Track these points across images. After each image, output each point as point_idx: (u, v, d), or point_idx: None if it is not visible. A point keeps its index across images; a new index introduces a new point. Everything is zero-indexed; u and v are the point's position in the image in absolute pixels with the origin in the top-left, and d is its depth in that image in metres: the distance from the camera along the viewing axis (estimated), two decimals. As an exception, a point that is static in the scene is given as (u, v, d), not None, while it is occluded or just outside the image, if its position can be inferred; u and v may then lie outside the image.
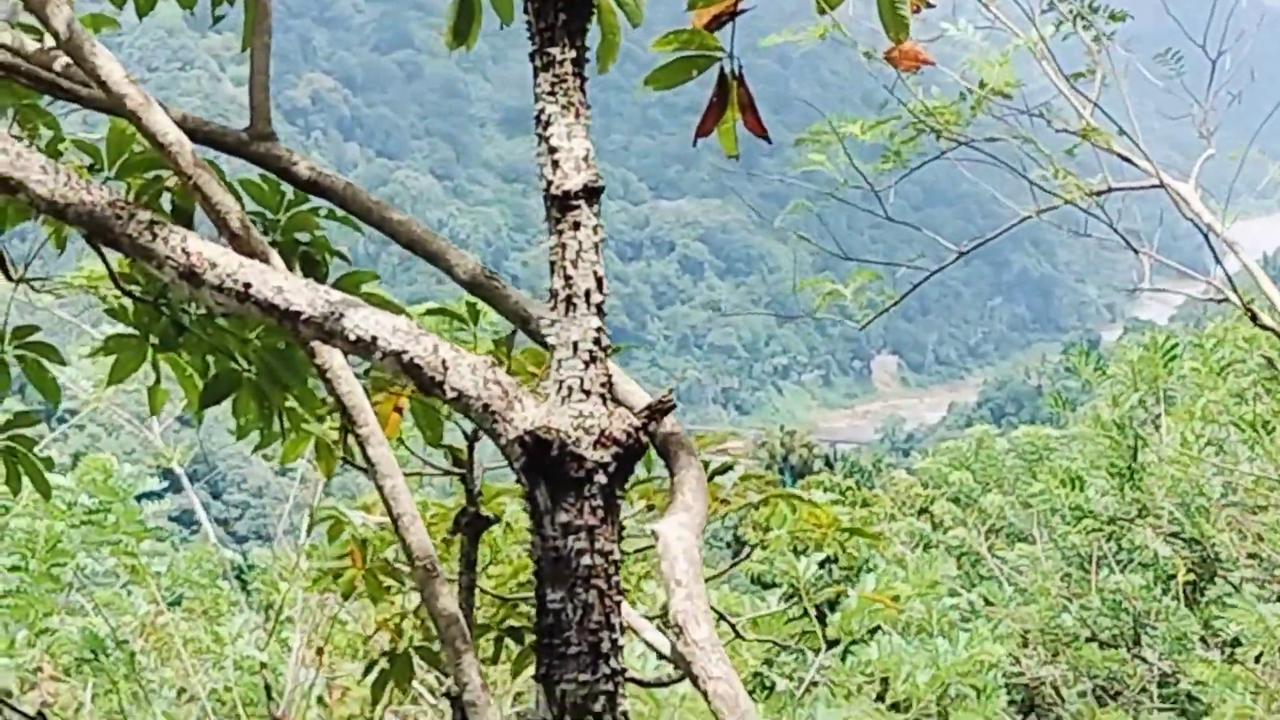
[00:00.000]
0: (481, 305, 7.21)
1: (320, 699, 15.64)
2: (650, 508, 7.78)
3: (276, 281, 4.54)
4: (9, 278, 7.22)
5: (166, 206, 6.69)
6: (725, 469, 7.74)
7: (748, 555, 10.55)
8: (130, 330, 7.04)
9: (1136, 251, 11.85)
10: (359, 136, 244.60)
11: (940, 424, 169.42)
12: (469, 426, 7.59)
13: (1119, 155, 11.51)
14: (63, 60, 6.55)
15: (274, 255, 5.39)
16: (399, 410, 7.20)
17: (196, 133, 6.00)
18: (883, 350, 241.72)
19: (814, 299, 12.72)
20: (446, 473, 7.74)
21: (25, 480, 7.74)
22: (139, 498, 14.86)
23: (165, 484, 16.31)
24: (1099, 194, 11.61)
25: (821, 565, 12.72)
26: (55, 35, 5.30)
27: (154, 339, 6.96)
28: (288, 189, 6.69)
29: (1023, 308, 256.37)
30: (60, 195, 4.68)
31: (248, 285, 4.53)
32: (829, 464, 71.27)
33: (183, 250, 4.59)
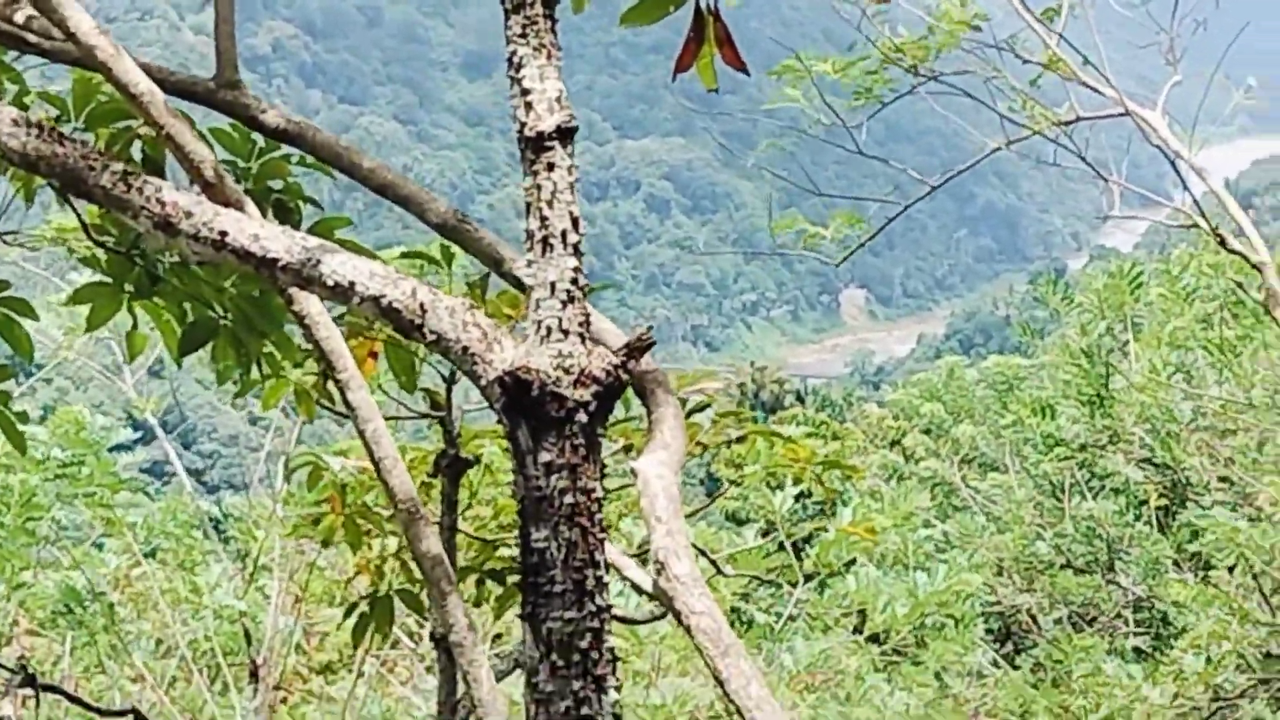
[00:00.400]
0: (455, 248, 7.22)
1: (299, 646, 15.69)
2: (629, 447, 7.81)
3: (252, 229, 4.55)
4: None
5: (137, 156, 6.68)
6: (702, 407, 7.77)
7: (724, 492, 10.61)
8: (104, 279, 7.03)
9: (1106, 180, 11.90)
10: (321, 83, 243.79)
11: (909, 356, 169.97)
12: (447, 370, 7.61)
13: (1085, 85, 11.55)
14: (25, 13, 6.53)
15: (248, 203, 5.39)
16: (374, 355, 7.22)
17: (164, 83, 5.99)
18: (850, 284, 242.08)
19: (786, 236, 12.74)
20: (423, 415, 7.76)
21: None
22: (112, 450, 14.86)
23: (137, 435, 16.33)
24: (1067, 124, 11.65)
25: (796, 500, 12.78)
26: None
27: (129, 287, 6.95)
28: (259, 137, 6.68)
29: (988, 239, 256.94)
30: (33, 148, 4.68)
31: (224, 233, 4.53)
32: (800, 399, 71.43)
33: (157, 200, 4.60)
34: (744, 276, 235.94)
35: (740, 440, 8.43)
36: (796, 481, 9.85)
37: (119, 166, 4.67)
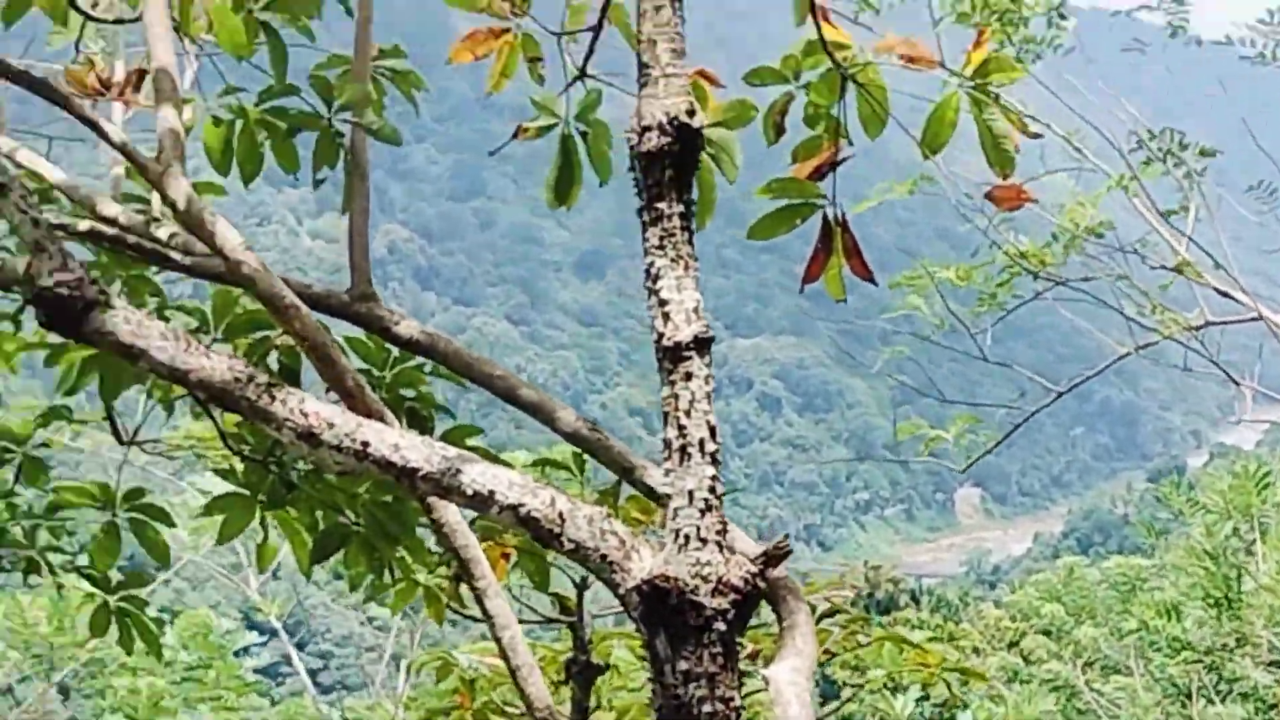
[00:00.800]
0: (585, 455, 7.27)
1: None
2: (755, 654, 7.80)
3: (393, 439, 4.62)
4: (120, 440, 7.35)
5: (273, 366, 6.81)
6: (832, 613, 7.78)
7: (850, 697, 10.54)
8: (238, 489, 7.14)
9: (1237, 384, 11.83)
10: (436, 285, 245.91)
11: (1026, 555, 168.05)
12: (577, 574, 7.64)
13: (1215, 289, 11.51)
14: (167, 229, 6.71)
15: (388, 413, 5.48)
16: (505, 557, 7.27)
17: (303, 295, 6.12)
18: (965, 483, 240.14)
19: (901, 433, 12.73)
20: (553, 620, 7.79)
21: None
22: (236, 653, 14.98)
23: (262, 639, 16.45)
24: (1197, 329, 11.62)
25: (915, 702, 12.67)
26: (173, 206, 5.43)
27: (262, 497, 7.06)
28: (391, 346, 6.80)
29: (1106, 436, 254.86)
30: (181, 361, 4.78)
31: (365, 444, 4.60)
32: (914, 599, 70.69)
33: (300, 412, 4.68)
34: (857, 475, 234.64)
35: (864, 644, 8.41)
36: (924, 687, 9.80)
37: (262, 379, 4.77)
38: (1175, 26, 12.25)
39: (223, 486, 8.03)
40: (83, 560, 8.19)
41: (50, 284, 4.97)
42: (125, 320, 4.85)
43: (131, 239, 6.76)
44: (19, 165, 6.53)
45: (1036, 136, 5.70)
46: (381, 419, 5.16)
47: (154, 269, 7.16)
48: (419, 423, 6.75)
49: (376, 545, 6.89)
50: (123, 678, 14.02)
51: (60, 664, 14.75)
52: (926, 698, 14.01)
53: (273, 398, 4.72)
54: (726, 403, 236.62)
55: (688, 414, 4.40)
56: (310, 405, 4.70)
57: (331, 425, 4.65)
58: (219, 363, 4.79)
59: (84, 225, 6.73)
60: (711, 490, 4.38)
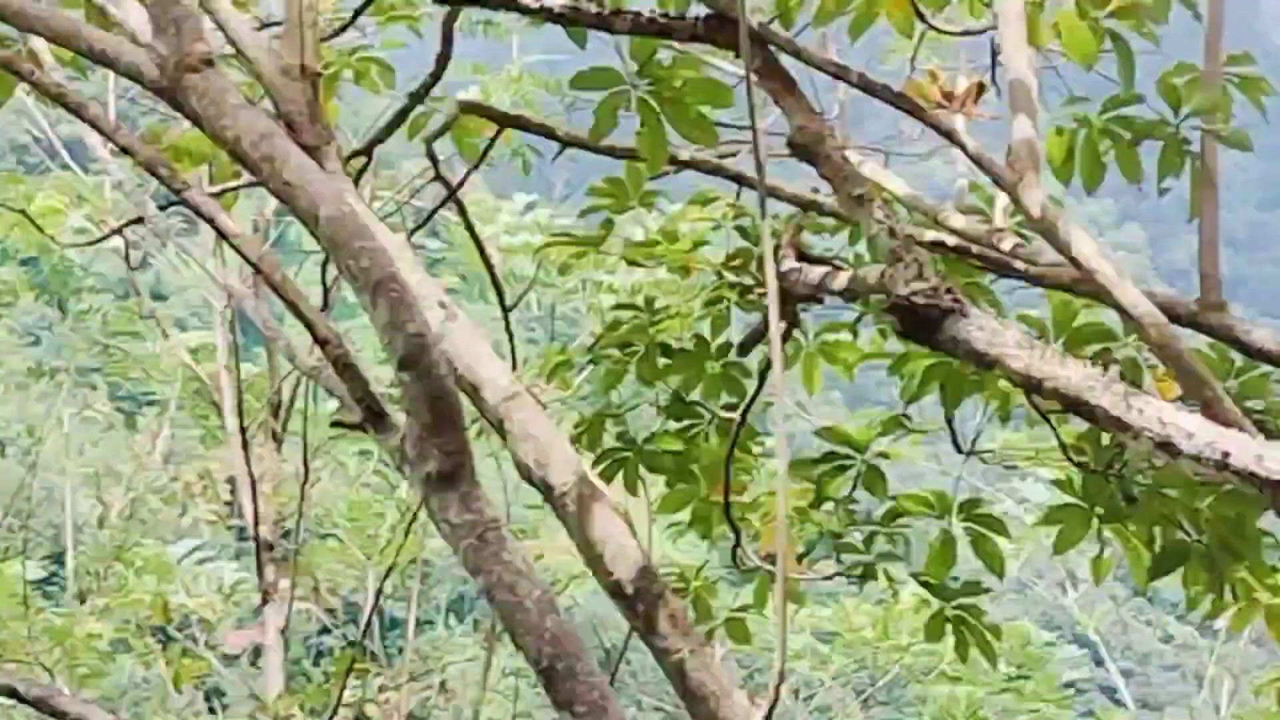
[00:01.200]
0: None
1: None
2: None
3: (1256, 450, 4.51)
4: (959, 450, 7.45)
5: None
6: None
7: None
8: (1075, 501, 7.11)
9: None
10: (1242, 295, 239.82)
11: None
12: None
13: None
14: (1010, 241, 6.76)
15: (1247, 423, 5.35)
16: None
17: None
18: None
19: None
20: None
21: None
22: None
23: (1081, 652, 16.39)
24: None
25: None
26: (1028, 214, 5.46)
27: (1099, 509, 7.00)
28: (1236, 357, 6.64)
29: None
30: (1036, 369, 4.81)
31: (1226, 454, 4.51)
32: None
33: (1159, 420, 4.63)
34: None
35: None
36: None
37: (1120, 388, 4.74)
38: None
39: (1046, 496, 8.02)
40: (898, 569, 8.33)
41: (906, 293, 5.08)
42: (980, 328, 4.92)
43: (974, 249, 6.84)
44: (865, 178, 6.69)
45: None
46: (1241, 428, 5.04)
47: (991, 278, 7.23)
48: (1268, 435, 6.56)
49: (1218, 563, 6.73)
50: (941, 685, 14.19)
51: (883, 669, 15.07)
52: None
53: (1129, 406, 4.68)
54: None
55: None
56: (1169, 414, 4.64)
57: (1191, 435, 4.58)
58: (1074, 370, 4.79)
59: (928, 235, 6.85)
60: None
